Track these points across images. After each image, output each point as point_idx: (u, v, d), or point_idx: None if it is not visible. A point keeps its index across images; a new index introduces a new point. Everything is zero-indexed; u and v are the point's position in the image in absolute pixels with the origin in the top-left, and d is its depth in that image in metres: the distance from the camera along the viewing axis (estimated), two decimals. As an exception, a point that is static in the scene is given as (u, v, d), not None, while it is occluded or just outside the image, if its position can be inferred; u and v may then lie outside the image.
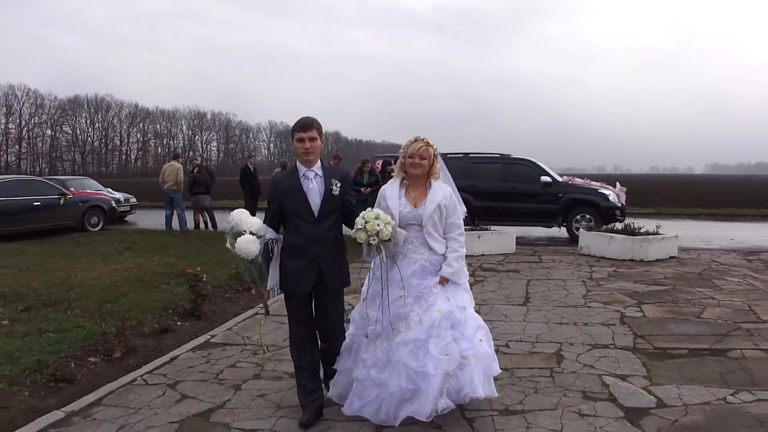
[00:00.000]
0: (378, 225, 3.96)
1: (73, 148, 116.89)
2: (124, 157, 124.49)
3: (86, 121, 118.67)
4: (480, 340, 4.14)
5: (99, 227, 17.33)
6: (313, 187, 4.21)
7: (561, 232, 15.60)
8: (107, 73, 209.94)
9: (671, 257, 11.63)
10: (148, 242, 14.20)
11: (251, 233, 4.16)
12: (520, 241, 13.63)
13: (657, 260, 11.26)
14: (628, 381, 4.99)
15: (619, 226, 12.93)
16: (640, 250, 11.34)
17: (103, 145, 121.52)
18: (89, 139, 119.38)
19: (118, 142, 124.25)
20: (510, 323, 6.90)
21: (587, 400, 4.60)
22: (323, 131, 4.32)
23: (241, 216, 4.25)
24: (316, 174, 4.24)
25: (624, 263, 11.01)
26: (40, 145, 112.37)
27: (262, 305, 4.66)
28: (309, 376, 4.33)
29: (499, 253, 12.40)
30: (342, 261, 4.37)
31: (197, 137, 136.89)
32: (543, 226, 15.62)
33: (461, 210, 4.46)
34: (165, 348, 6.07)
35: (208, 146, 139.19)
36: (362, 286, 4.46)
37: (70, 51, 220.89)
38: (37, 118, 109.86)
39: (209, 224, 17.39)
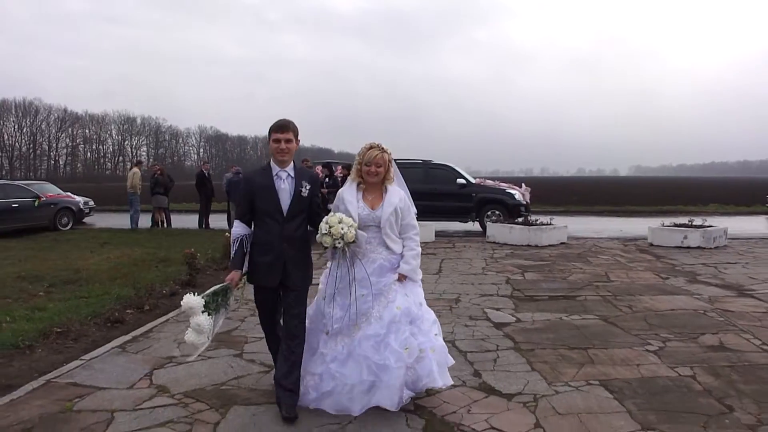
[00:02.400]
0: (342, 228, 4.18)
1: (0, 153, 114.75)
2: (52, 162, 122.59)
3: (14, 126, 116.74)
4: (435, 334, 4.46)
5: (69, 227, 19.18)
6: (285, 187, 4.40)
7: (475, 226, 18.33)
8: (30, 75, 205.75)
9: (561, 243, 14.48)
10: (120, 238, 16.21)
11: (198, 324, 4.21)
12: (440, 234, 16.39)
13: (549, 245, 14.08)
14: (500, 311, 7.57)
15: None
16: (535, 238, 14.17)
17: (31, 150, 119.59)
18: (17, 144, 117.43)
19: (47, 147, 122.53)
20: (425, 285, 9.42)
21: (471, 320, 7.15)
22: (298, 134, 4.50)
23: (190, 307, 4.23)
24: (289, 175, 4.44)
25: (521, 248, 13.80)
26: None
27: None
28: None
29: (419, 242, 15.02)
30: (307, 259, 4.61)
31: (127, 142, 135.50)
32: (460, 221, 18.30)
33: (413, 210, 4.69)
34: (178, 304, 8.30)
35: (138, 151, 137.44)
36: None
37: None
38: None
39: (165, 223, 19.51)
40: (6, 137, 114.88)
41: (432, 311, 4.63)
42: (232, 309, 5.56)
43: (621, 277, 10.00)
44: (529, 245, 14.04)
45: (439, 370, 4.33)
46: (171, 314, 7.64)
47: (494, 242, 14.84)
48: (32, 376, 5.37)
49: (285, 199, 4.40)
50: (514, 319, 7.22)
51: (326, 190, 16.24)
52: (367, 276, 4.37)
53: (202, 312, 4.18)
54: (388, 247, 4.51)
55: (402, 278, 4.50)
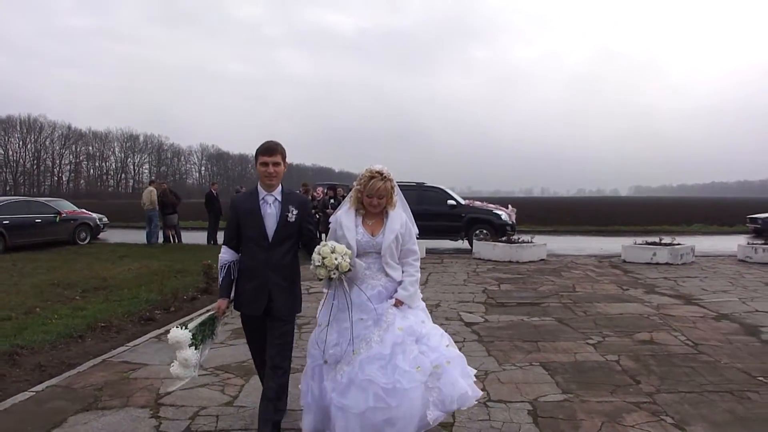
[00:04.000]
0: (336, 259, 3.94)
1: (5, 169, 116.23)
2: (56, 178, 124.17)
3: (18, 142, 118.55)
4: (447, 345, 4.18)
5: (87, 241, 20.61)
6: (271, 212, 4.27)
7: (464, 244, 19.69)
8: (31, 89, 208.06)
9: (541, 259, 15.82)
10: (137, 252, 17.57)
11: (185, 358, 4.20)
12: (431, 251, 17.76)
13: (529, 261, 15.42)
14: (472, 314, 8.92)
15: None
16: (516, 254, 15.54)
17: (35, 167, 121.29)
18: (21, 160, 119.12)
19: (51, 164, 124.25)
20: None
21: (447, 320, 8.49)
22: (286, 157, 4.37)
23: (177, 341, 4.20)
24: (275, 199, 4.30)
25: (503, 263, 15.15)
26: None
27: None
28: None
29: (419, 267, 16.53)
30: (294, 288, 4.42)
31: (129, 159, 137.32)
32: (450, 240, 19.68)
33: (414, 232, 4.49)
34: (199, 306, 9.64)
35: (140, 168, 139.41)
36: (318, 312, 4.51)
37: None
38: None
39: (176, 238, 20.97)
40: (11, 153, 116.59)
41: (438, 327, 4.38)
42: (218, 340, 5.35)
43: (586, 288, 11.34)
44: (510, 261, 15.39)
45: (465, 381, 4.09)
46: (194, 315, 8.95)
47: (479, 258, 16.18)
48: (88, 357, 6.73)
49: (270, 225, 4.27)
50: (483, 320, 8.56)
51: (331, 211, 17.26)
52: (367, 300, 4.15)
53: (189, 346, 4.16)
54: (387, 274, 4.30)
55: (399, 304, 4.21)
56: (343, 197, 18.94)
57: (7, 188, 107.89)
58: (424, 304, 4.51)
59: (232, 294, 4.44)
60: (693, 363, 6.39)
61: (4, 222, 17.86)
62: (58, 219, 19.64)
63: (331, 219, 4.47)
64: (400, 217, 4.41)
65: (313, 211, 16.00)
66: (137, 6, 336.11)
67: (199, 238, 22.25)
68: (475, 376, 4.28)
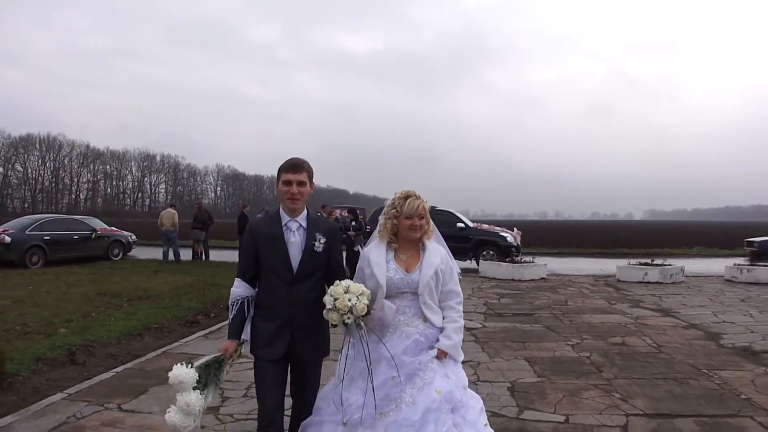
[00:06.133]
0: (349, 300, 3.44)
1: (24, 187, 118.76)
2: (74, 196, 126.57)
3: (38, 160, 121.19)
4: (485, 425, 3.68)
5: (119, 257, 22.19)
6: (295, 240, 3.73)
7: (472, 264, 21.03)
8: (50, 111, 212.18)
9: (541, 278, 17.15)
10: (169, 268, 19.14)
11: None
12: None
13: (530, 280, 16.77)
14: (473, 321, 10.26)
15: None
16: (518, 273, 16.92)
17: (53, 185, 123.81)
18: (40, 177, 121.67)
19: (68, 182, 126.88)
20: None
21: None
22: (313, 177, 3.84)
23: (179, 381, 3.47)
24: (300, 225, 3.77)
25: (505, 281, 16.51)
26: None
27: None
28: None
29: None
30: (322, 328, 3.83)
31: (146, 179, 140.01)
32: (458, 260, 20.85)
33: (456, 271, 3.96)
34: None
35: (157, 188, 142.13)
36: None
37: (12, 87, 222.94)
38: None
39: (203, 255, 22.38)
40: (30, 171, 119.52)
41: (478, 396, 3.84)
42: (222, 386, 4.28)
43: (577, 302, 12.66)
44: (512, 279, 16.74)
45: None
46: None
47: (484, 276, 17.55)
48: (150, 350, 8.14)
49: (295, 255, 3.71)
50: (482, 326, 9.92)
51: (353, 233, 17.95)
52: (392, 355, 3.56)
53: (194, 389, 3.48)
54: (426, 319, 3.72)
55: (442, 355, 3.67)
56: (363, 220, 20.17)
57: (26, 205, 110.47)
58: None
59: (243, 335, 3.83)
60: (652, 359, 7.69)
61: (45, 238, 19.51)
62: (93, 236, 21.29)
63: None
64: (439, 251, 3.86)
65: None
66: (153, 27, 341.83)
67: (225, 256, 23.51)
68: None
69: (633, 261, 18.07)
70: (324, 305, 3.51)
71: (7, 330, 9.02)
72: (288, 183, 3.70)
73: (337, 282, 3.54)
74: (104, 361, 7.58)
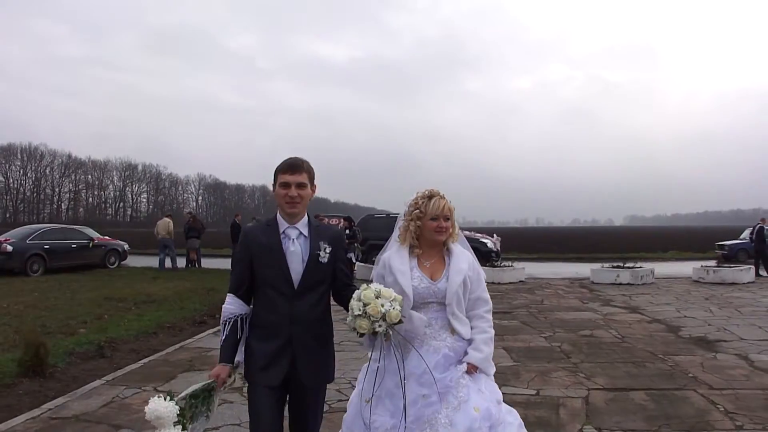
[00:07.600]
0: (382, 306, 2.99)
1: (5, 196, 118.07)
2: (55, 206, 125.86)
3: (19, 170, 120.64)
4: None
5: (116, 265, 22.97)
6: (295, 249, 3.30)
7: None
8: (29, 120, 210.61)
9: (519, 281, 18.23)
10: (166, 275, 19.95)
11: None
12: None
13: (509, 283, 17.84)
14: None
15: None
16: (498, 276, 18.03)
17: (35, 194, 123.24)
18: (21, 187, 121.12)
19: (50, 192, 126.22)
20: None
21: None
22: (314, 178, 3.43)
23: (156, 417, 2.96)
24: (300, 233, 3.34)
25: (486, 284, 17.44)
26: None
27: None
28: None
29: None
30: (326, 350, 3.41)
31: (128, 189, 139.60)
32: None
33: (484, 277, 3.65)
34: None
35: (139, 198, 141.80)
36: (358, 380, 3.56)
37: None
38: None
39: (197, 263, 23.27)
40: (11, 181, 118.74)
41: (515, 411, 3.51)
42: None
43: (552, 302, 13.71)
44: (493, 282, 17.72)
45: None
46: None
47: (466, 280, 18.55)
48: (168, 345, 9.05)
49: (296, 266, 3.29)
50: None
51: (347, 242, 18.64)
52: (428, 369, 3.21)
53: (175, 425, 3.03)
54: (454, 331, 3.39)
55: (472, 370, 3.34)
56: (358, 230, 20.59)
57: (7, 215, 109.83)
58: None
59: (237, 358, 3.35)
60: (615, 348, 8.73)
61: (45, 246, 20.32)
62: (91, 245, 22.08)
63: (376, 261, 3.64)
64: (466, 257, 3.55)
65: None
66: (131, 36, 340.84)
67: (217, 264, 24.12)
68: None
69: (606, 264, 19.15)
70: (351, 311, 3.07)
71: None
72: (286, 185, 3.29)
73: (364, 285, 3.14)
74: (127, 355, 8.46)
